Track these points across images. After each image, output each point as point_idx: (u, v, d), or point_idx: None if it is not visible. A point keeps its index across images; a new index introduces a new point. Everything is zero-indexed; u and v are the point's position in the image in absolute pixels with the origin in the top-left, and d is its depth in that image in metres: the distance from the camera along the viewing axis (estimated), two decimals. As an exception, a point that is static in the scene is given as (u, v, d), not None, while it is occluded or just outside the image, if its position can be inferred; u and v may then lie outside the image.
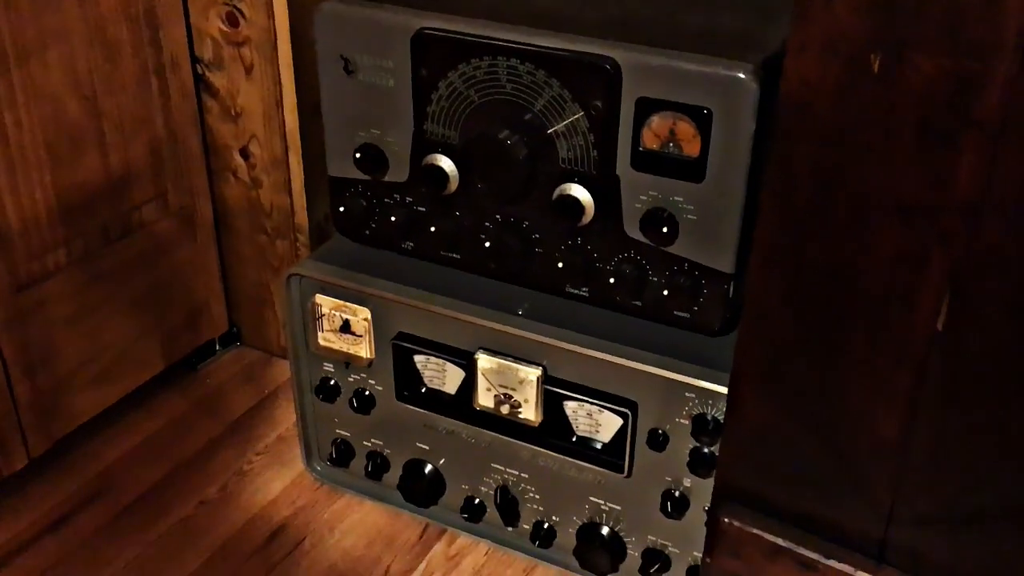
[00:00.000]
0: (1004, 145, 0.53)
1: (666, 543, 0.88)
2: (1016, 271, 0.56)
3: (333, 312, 0.94)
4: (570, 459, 0.88)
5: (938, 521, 0.67)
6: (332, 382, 0.99)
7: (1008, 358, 0.59)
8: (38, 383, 1.02)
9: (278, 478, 1.08)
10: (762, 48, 0.74)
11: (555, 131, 0.79)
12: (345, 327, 0.94)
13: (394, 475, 1.00)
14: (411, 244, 0.91)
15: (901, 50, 0.54)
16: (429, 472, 0.97)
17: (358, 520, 1.03)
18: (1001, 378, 0.59)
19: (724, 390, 0.77)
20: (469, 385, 0.90)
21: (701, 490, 0.83)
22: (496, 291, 0.89)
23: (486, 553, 0.99)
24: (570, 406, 0.86)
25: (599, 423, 0.86)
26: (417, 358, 0.92)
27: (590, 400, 0.85)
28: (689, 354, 0.81)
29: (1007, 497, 0.63)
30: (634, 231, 0.79)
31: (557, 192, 0.80)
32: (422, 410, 0.94)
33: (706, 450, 0.81)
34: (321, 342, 0.96)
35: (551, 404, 0.87)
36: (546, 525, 0.94)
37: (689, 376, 0.80)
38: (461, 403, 0.92)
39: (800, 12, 0.56)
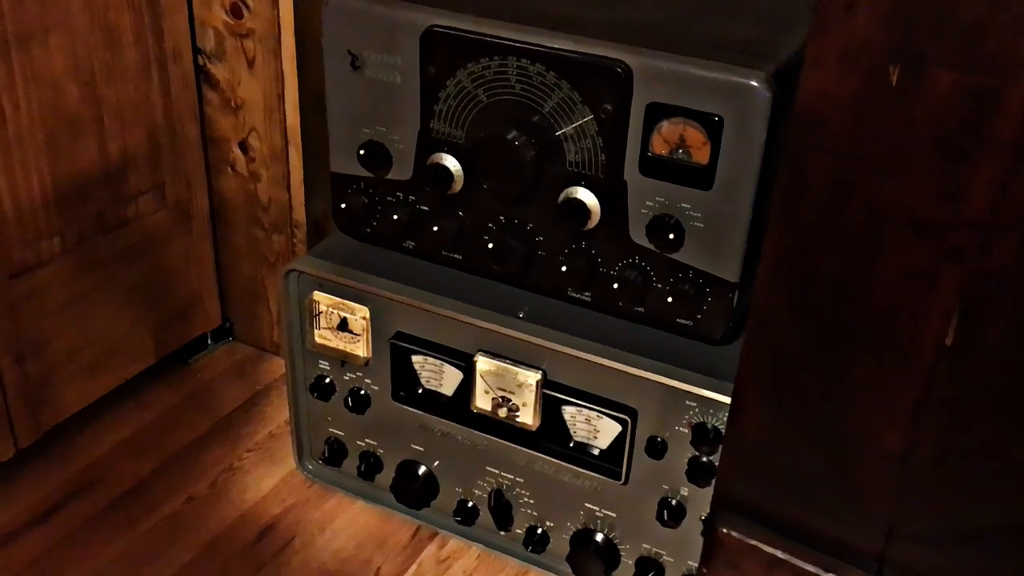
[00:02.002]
0: (1019, 163, 0.53)
1: (661, 551, 0.88)
2: (1026, 289, 0.56)
3: (331, 310, 0.93)
4: (567, 464, 0.88)
5: (937, 538, 0.66)
6: (327, 380, 0.98)
7: (1015, 377, 0.58)
8: (28, 372, 1.00)
9: (269, 476, 1.07)
10: (775, 57, 0.74)
11: (563, 133, 0.78)
12: (343, 325, 0.93)
13: (387, 476, 0.99)
14: (412, 243, 0.91)
15: (920, 64, 0.54)
16: (423, 474, 0.97)
17: (349, 520, 1.02)
18: (1007, 397, 0.59)
19: (726, 399, 0.77)
20: (467, 387, 0.89)
21: (698, 499, 0.83)
22: (497, 293, 0.88)
23: (478, 557, 0.98)
24: (568, 411, 0.86)
25: (597, 429, 0.85)
26: (415, 358, 0.92)
27: (589, 406, 0.84)
28: (691, 362, 0.81)
29: (1007, 516, 0.63)
30: (640, 237, 0.79)
31: (563, 195, 0.80)
32: (418, 411, 0.94)
33: (705, 459, 0.81)
34: (317, 339, 0.95)
35: (549, 409, 0.86)
36: (539, 530, 0.93)
37: (690, 384, 0.79)
38: (458, 405, 0.91)
39: (819, 23, 0.56)
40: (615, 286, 0.81)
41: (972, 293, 0.57)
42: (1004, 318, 0.57)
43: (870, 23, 0.54)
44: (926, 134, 0.55)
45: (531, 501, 0.92)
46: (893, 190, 0.58)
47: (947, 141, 0.55)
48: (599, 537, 0.90)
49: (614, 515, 0.88)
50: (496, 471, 0.93)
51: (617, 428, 0.84)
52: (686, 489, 0.83)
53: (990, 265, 0.56)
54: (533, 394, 0.85)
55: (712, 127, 0.72)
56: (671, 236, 0.77)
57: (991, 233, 0.55)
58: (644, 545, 0.88)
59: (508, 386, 0.86)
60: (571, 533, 0.91)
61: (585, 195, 0.79)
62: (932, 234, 0.57)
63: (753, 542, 0.72)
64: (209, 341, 1.26)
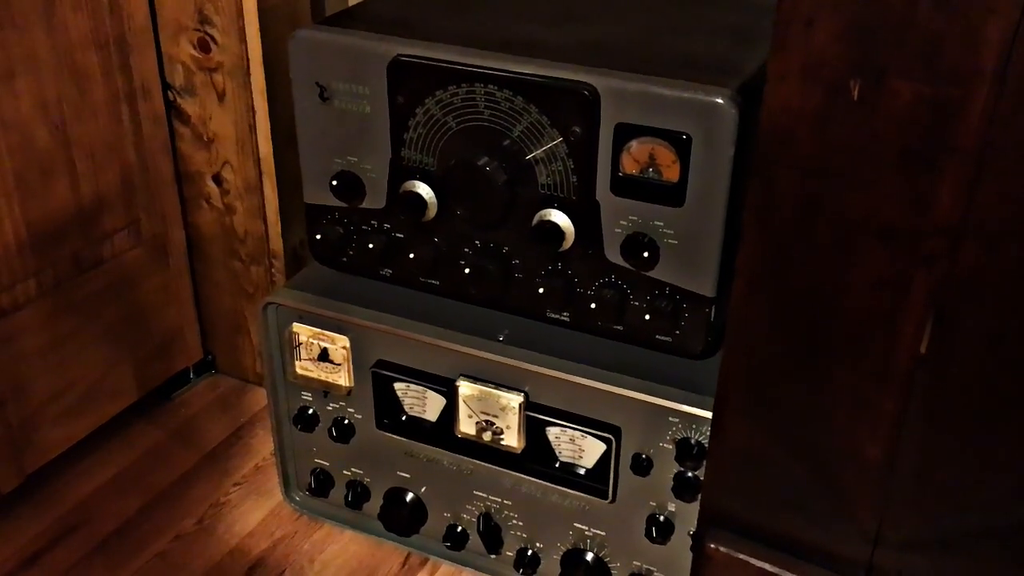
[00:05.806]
0: (983, 170, 0.54)
1: (651, 568, 0.87)
2: (997, 294, 0.56)
3: (311, 340, 0.93)
4: (553, 485, 0.88)
5: (924, 543, 0.66)
6: (310, 411, 0.97)
7: (991, 379, 0.59)
8: (8, 417, 0.99)
9: (256, 509, 1.06)
10: (739, 73, 0.74)
11: (534, 157, 0.78)
12: (323, 355, 0.93)
13: (375, 504, 0.99)
14: (389, 271, 0.90)
15: (880, 76, 0.54)
16: (410, 500, 0.96)
17: (339, 551, 1.01)
18: (985, 399, 0.59)
19: (708, 414, 0.77)
20: (450, 412, 0.89)
21: (686, 515, 0.83)
22: (476, 317, 0.88)
23: (469, 581, 0.98)
24: (553, 432, 0.86)
25: (582, 448, 0.85)
26: (397, 386, 0.91)
27: (573, 426, 0.84)
28: (672, 378, 0.81)
29: (991, 518, 0.63)
30: (615, 256, 0.79)
31: (537, 218, 0.80)
32: (403, 438, 0.93)
33: (690, 474, 0.81)
34: (299, 371, 0.95)
35: (533, 430, 0.86)
36: (530, 552, 0.93)
37: (672, 401, 0.79)
38: (442, 430, 0.91)
39: (779, 39, 0.56)
40: (593, 305, 0.81)
41: (945, 300, 0.58)
42: (978, 324, 0.58)
43: (830, 38, 0.55)
44: (890, 145, 0.56)
45: (520, 523, 0.92)
46: (860, 201, 0.58)
47: (911, 151, 0.55)
48: (589, 556, 0.89)
49: (603, 533, 0.88)
50: (484, 495, 0.93)
51: (602, 447, 0.84)
52: (673, 505, 0.83)
53: (960, 272, 0.57)
54: (516, 417, 0.85)
55: (680, 145, 0.73)
56: (646, 254, 0.77)
57: (959, 240, 0.56)
58: (634, 562, 0.88)
59: (491, 410, 0.86)
60: (561, 553, 0.91)
61: (558, 217, 0.79)
62: (901, 243, 0.58)
63: (742, 556, 0.72)
64: (191, 375, 1.26)
